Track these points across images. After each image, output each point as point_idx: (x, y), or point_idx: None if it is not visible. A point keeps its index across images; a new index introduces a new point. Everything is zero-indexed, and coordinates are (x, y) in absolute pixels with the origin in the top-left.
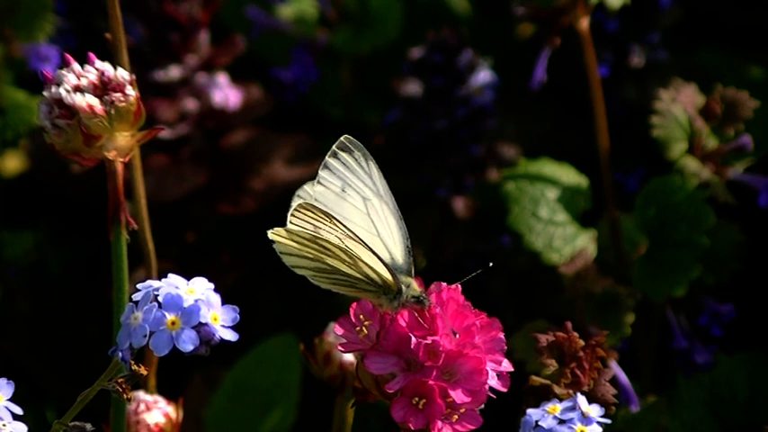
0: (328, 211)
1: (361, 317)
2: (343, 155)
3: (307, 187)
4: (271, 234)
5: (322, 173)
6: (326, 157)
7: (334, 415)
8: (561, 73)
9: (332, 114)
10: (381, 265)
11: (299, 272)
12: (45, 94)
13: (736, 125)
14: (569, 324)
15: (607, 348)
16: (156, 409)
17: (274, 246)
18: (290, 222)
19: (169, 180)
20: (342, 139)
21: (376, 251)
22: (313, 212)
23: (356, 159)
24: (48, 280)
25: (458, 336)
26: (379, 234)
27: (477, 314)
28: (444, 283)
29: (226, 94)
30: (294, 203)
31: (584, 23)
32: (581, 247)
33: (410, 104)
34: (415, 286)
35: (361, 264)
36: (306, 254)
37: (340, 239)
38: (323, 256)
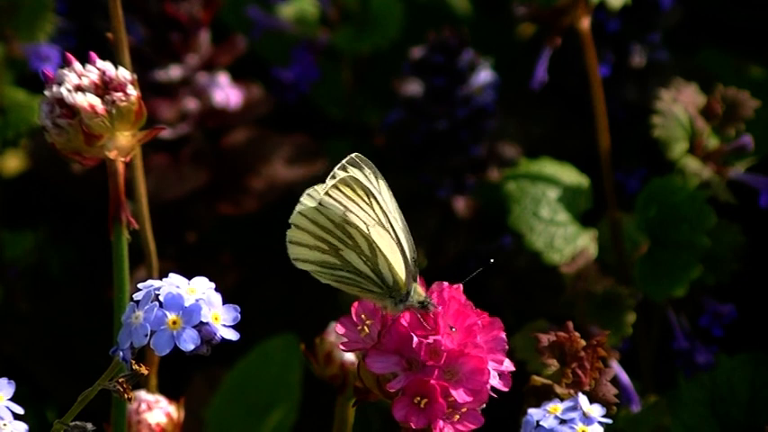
0: (370, 189)
1: (363, 316)
2: (354, 170)
3: (318, 188)
4: (301, 203)
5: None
6: (336, 170)
7: (335, 414)
8: (562, 73)
9: (332, 114)
10: (401, 261)
11: (300, 265)
12: (46, 93)
13: (736, 125)
14: (570, 324)
15: (608, 348)
16: (157, 409)
17: (288, 233)
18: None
19: (170, 180)
20: (353, 155)
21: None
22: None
23: (366, 176)
24: (48, 280)
25: (457, 333)
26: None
27: (479, 314)
28: (446, 283)
29: (226, 93)
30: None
31: (585, 23)
32: (582, 247)
33: (411, 104)
34: (420, 291)
35: (380, 258)
36: (320, 244)
37: (367, 226)
38: (341, 246)
